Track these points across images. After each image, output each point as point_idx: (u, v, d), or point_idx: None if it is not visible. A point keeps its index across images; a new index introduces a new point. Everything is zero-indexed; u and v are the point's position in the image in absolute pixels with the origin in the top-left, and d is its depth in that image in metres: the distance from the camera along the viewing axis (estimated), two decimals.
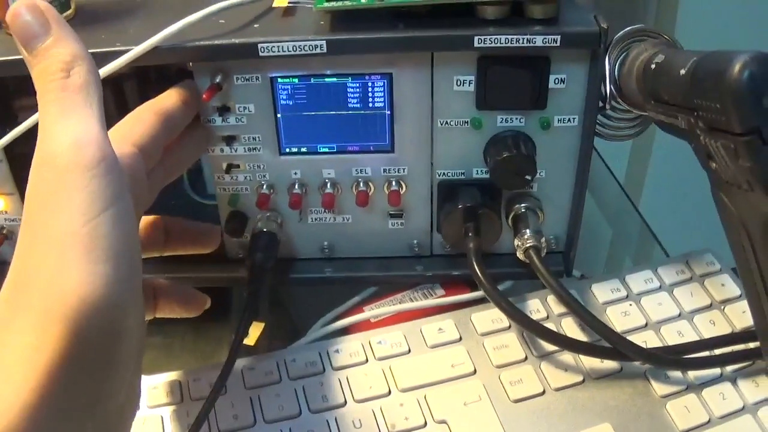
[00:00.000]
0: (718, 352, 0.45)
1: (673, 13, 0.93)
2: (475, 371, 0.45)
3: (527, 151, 0.45)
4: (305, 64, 0.44)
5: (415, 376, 0.45)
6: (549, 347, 0.46)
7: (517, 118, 0.45)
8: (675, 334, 0.47)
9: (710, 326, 0.47)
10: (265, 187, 0.48)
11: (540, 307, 0.49)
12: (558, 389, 0.44)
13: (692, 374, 0.44)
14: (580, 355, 0.45)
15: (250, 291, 0.46)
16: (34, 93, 0.31)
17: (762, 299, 0.39)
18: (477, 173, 0.48)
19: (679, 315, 0.48)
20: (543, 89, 0.44)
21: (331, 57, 0.42)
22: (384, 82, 0.45)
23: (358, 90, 0.45)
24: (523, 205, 0.48)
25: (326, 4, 0.42)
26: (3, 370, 0.27)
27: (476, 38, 0.41)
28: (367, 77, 0.44)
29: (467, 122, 0.46)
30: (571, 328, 0.47)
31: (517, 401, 0.43)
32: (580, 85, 0.44)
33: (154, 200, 0.41)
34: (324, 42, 0.41)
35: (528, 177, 0.45)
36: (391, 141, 0.47)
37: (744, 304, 0.47)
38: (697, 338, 0.47)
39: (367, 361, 0.46)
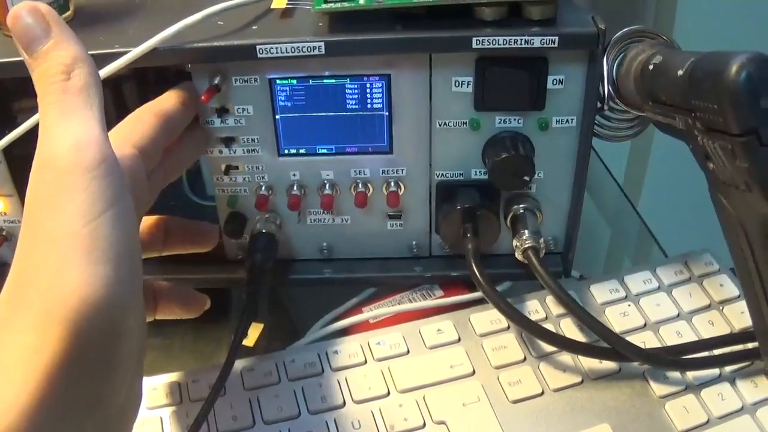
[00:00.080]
0: (716, 352, 0.45)
1: (671, 14, 0.93)
2: (473, 372, 0.45)
3: (525, 151, 0.45)
4: (304, 65, 0.44)
5: (414, 377, 0.45)
6: (548, 348, 0.46)
7: (515, 119, 0.45)
8: (674, 335, 0.47)
9: (709, 326, 0.47)
10: (263, 188, 0.48)
11: (539, 307, 0.49)
12: (557, 390, 0.44)
13: (691, 375, 0.44)
14: (579, 356, 0.45)
15: (249, 292, 0.46)
16: (33, 95, 0.31)
17: (760, 299, 0.39)
18: (475, 174, 0.48)
19: (678, 315, 0.48)
20: (541, 90, 0.44)
21: (329, 58, 0.42)
22: (382, 84, 0.45)
23: (356, 91, 0.45)
24: (521, 205, 0.48)
25: (324, 6, 0.42)
26: (3, 370, 0.27)
27: (474, 39, 0.41)
28: (365, 78, 0.45)
29: (465, 123, 0.46)
30: (569, 329, 0.47)
31: (515, 402, 0.43)
32: (579, 85, 0.44)
33: (153, 201, 0.41)
34: (322, 43, 0.41)
35: (526, 178, 0.45)
36: (390, 142, 0.47)
37: (742, 305, 0.47)
38: (695, 339, 0.47)
39: (366, 362, 0.46)
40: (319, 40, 0.41)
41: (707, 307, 0.49)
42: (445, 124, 0.46)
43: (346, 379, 0.45)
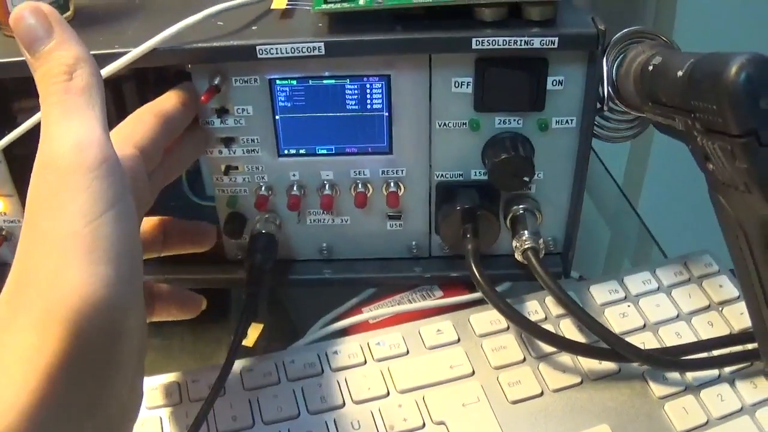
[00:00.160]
0: (716, 353, 0.45)
1: (671, 15, 0.93)
2: (473, 372, 0.45)
3: (525, 152, 0.45)
4: (303, 65, 0.44)
5: (413, 378, 0.45)
6: (547, 348, 0.46)
7: (515, 120, 0.45)
8: (673, 336, 0.47)
9: (708, 327, 0.47)
10: (263, 188, 0.48)
11: (538, 308, 0.49)
12: (556, 390, 0.44)
13: (690, 375, 0.44)
14: (579, 357, 0.45)
15: (248, 292, 0.46)
16: (33, 95, 0.31)
17: (759, 300, 0.39)
18: (475, 175, 0.48)
19: (677, 316, 0.48)
20: (541, 91, 0.44)
21: (329, 59, 0.42)
22: (382, 84, 0.45)
23: (356, 92, 0.45)
24: (521, 206, 0.48)
25: (324, 6, 0.42)
26: (3, 370, 0.27)
27: (474, 40, 0.41)
28: (365, 79, 0.45)
29: (465, 124, 0.46)
30: (569, 330, 0.47)
31: (515, 402, 0.43)
32: (578, 86, 0.44)
33: (153, 201, 0.41)
34: (322, 44, 0.41)
35: (526, 178, 0.45)
36: (390, 142, 0.47)
37: (742, 306, 0.47)
38: (695, 339, 0.47)
39: (365, 362, 0.46)
40: (318, 40, 0.41)
41: (707, 308, 0.49)
42: (444, 124, 0.46)
43: (345, 379, 0.45)
